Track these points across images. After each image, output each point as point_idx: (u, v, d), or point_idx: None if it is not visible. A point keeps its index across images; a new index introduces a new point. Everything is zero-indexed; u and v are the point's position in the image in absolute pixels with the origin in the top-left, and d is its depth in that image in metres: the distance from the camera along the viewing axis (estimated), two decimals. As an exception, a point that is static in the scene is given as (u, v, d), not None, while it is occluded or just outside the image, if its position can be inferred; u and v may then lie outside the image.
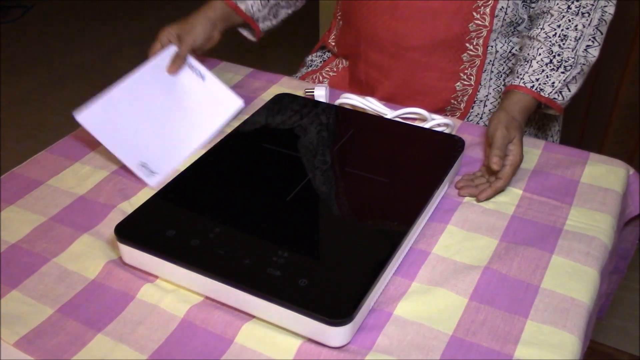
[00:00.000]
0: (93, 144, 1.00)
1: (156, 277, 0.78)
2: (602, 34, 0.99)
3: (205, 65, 1.21)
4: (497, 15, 1.03)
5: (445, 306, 0.73)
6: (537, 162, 0.96)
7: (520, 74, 0.98)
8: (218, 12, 1.11)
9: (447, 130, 1.00)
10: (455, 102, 1.13)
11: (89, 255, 0.81)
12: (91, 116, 0.92)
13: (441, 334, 0.70)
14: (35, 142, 2.35)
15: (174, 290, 0.76)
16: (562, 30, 0.97)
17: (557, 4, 0.98)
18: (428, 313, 0.73)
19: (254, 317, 0.72)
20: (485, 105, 1.13)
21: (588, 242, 0.81)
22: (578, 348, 0.69)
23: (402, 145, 0.94)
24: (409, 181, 0.87)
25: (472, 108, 1.12)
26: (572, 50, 0.97)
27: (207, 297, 0.75)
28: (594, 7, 0.97)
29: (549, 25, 0.98)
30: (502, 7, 1.03)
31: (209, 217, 0.79)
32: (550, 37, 0.97)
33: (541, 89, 0.96)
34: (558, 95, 0.97)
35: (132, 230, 0.78)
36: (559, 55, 0.97)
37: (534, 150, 0.98)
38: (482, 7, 1.02)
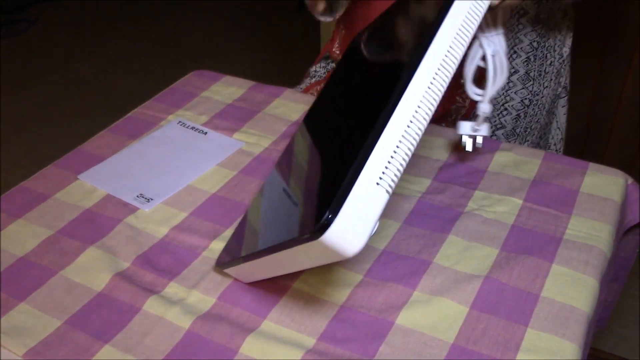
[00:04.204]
0: (99, 158, 1.02)
1: (162, 289, 0.79)
2: None
3: (207, 79, 1.23)
4: None
5: (447, 315, 0.75)
6: (537, 171, 0.97)
7: None
8: None
9: None
10: (460, 99, 1.14)
11: (96, 268, 0.82)
12: (92, 174, 0.99)
13: (442, 343, 0.71)
14: (38, 155, 2.37)
15: (179, 301, 0.77)
16: None
17: None
18: (430, 322, 0.74)
19: (258, 327, 0.74)
20: None
21: (588, 251, 0.82)
22: (578, 356, 0.70)
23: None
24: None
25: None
26: None
27: (211, 308, 0.76)
28: None
29: None
30: None
31: None
32: None
33: None
34: None
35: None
36: None
37: (534, 160, 0.99)
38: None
